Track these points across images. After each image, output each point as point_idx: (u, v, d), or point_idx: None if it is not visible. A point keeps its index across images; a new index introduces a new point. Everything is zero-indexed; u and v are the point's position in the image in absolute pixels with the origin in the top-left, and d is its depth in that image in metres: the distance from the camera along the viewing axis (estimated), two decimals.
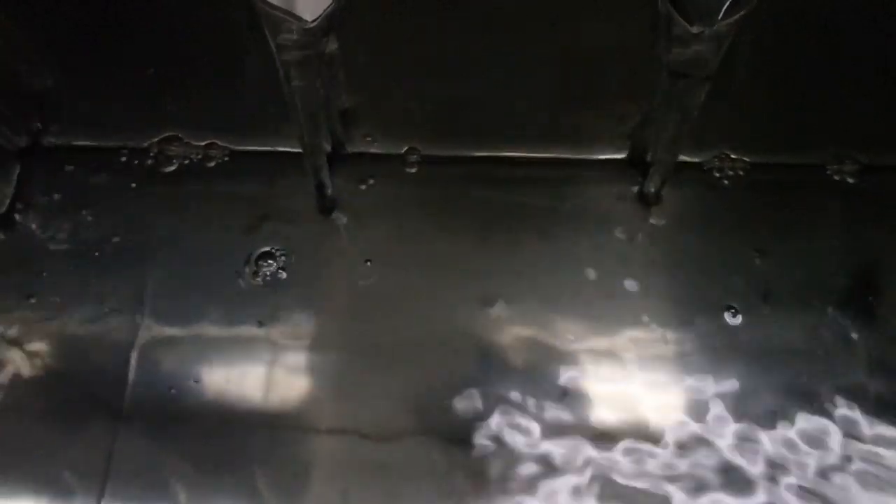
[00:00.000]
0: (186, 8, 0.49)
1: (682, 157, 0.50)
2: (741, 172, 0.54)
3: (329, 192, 0.53)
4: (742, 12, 0.38)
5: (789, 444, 0.47)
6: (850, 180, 0.54)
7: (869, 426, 0.47)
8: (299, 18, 0.40)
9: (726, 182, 0.54)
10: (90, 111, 0.55)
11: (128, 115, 0.55)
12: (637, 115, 0.52)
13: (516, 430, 0.48)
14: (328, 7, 0.40)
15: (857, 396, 0.48)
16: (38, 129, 0.56)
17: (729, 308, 0.50)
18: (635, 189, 0.53)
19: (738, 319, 0.50)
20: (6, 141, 0.55)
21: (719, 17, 0.38)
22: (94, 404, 0.49)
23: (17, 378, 0.50)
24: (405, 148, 0.55)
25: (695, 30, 0.40)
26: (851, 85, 0.51)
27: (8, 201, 0.54)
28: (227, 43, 0.50)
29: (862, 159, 0.54)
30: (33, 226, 0.54)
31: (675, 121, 0.46)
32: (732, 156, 0.54)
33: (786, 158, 0.54)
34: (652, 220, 0.53)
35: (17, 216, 0.54)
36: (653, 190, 0.52)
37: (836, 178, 0.54)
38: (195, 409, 0.49)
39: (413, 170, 0.55)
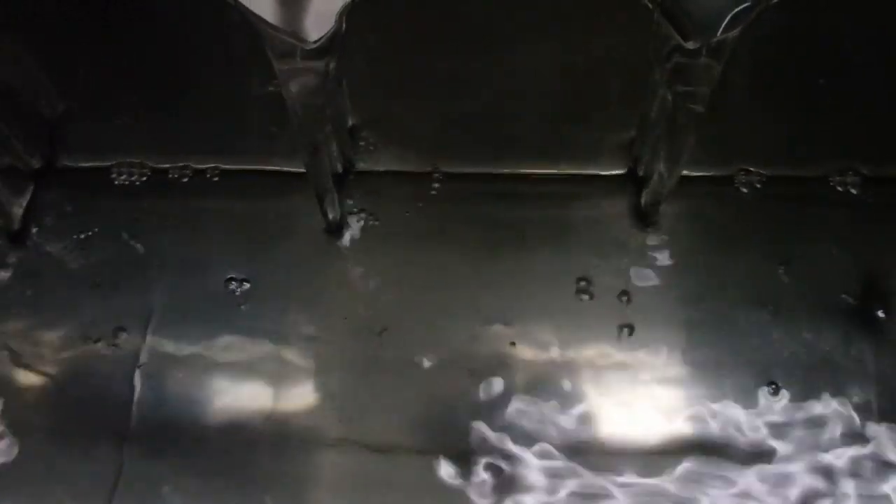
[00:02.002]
0: (192, 35, 0.49)
1: (682, 171, 0.50)
2: (755, 185, 0.54)
3: (335, 210, 0.53)
4: (739, 27, 0.38)
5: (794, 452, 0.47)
6: (854, 191, 0.54)
7: (875, 436, 0.47)
8: (302, 39, 0.40)
9: (728, 196, 0.54)
10: (100, 134, 0.56)
11: (136, 138, 0.56)
12: (637, 130, 0.52)
13: (522, 446, 0.48)
14: (331, 28, 0.40)
15: (864, 408, 0.48)
16: (49, 151, 0.57)
17: (733, 320, 0.50)
18: (637, 204, 0.54)
19: (743, 331, 0.50)
20: (20, 162, 0.56)
21: (717, 33, 0.38)
22: (100, 423, 0.49)
23: (21, 397, 0.50)
24: (410, 166, 0.55)
25: (690, 45, 0.40)
26: (854, 96, 0.51)
27: (20, 221, 0.55)
28: (231, 65, 0.50)
29: (865, 171, 0.54)
30: (43, 245, 0.54)
31: (675, 136, 0.46)
32: (734, 169, 0.54)
33: (788, 171, 0.54)
34: (653, 235, 0.53)
35: (28, 235, 0.55)
36: (654, 204, 0.52)
37: (840, 189, 0.54)
38: (201, 427, 0.49)
39: (415, 187, 0.55)
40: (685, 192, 0.52)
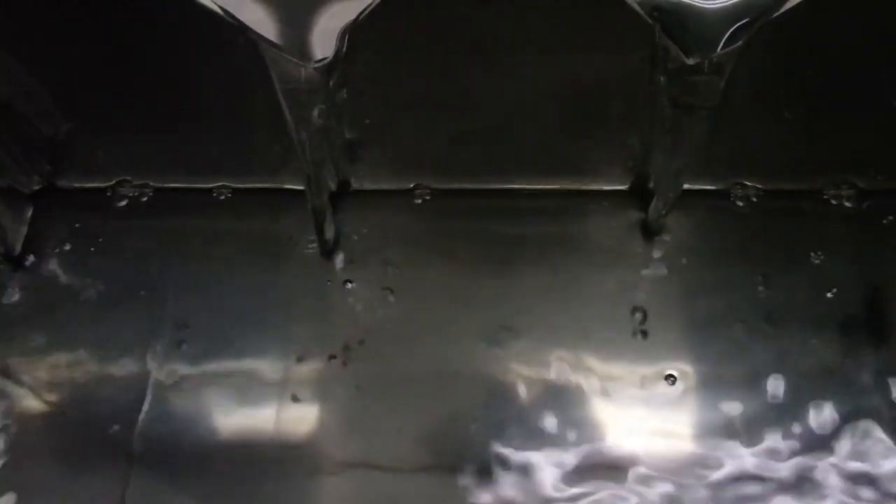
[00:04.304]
0: (194, 53, 0.49)
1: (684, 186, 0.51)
2: (753, 199, 0.54)
3: (333, 228, 0.53)
4: (739, 43, 0.38)
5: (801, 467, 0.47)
6: (848, 204, 0.54)
7: (873, 448, 0.48)
8: (305, 59, 0.40)
9: (729, 209, 0.54)
10: (100, 154, 0.56)
11: (138, 157, 0.56)
12: (640, 146, 0.53)
13: (528, 463, 0.48)
14: (333, 48, 0.41)
15: (864, 419, 0.48)
16: (49, 171, 0.57)
17: (736, 334, 0.51)
18: (640, 219, 0.54)
19: (746, 345, 0.50)
20: (19, 184, 0.56)
21: (718, 49, 0.38)
22: (106, 446, 0.49)
23: (27, 419, 0.50)
24: (409, 183, 0.56)
25: (691, 61, 0.40)
26: (848, 109, 0.51)
27: (21, 243, 0.55)
28: (234, 83, 0.51)
29: (859, 184, 0.54)
30: (45, 267, 0.54)
31: (677, 151, 0.46)
32: (735, 183, 0.55)
33: (783, 184, 0.55)
34: (656, 250, 0.53)
35: (29, 257, 0.55)
36: (657, 219, 0.52)
37: (834, 202, 0.54)
38: (207, 448, 0.49)
39: (417, 204, 0.55)
40: (684, 206, 0.53)
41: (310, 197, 0.51)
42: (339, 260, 0.54)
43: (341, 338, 0.52)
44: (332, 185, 0.55)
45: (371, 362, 0.51)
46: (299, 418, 0.50)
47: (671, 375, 0.50)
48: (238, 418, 0.50)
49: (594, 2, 0.45)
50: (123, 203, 0.56)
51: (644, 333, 0.51)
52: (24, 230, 0.55)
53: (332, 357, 0.51)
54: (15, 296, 0.53)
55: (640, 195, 0.54)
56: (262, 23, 0.39)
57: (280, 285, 0.53)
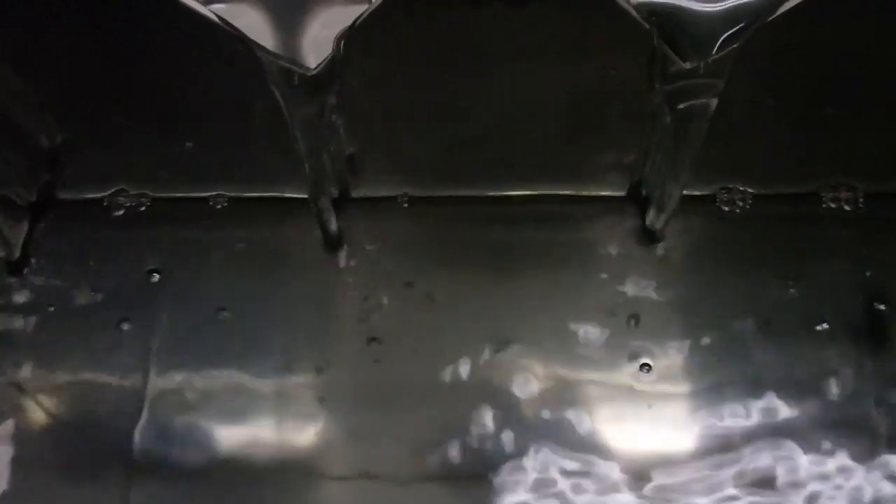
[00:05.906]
0: (192, 62, 0.50)
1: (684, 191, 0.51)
2: (746, 204, 0.54)
3: (334, 236, 0.53)
4: (735, 45, 0.38)
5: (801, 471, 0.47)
6: (847, 208, 0.54)
7: (875, 451, 0.48)
8: (301, 66, 0.41)
9: (727, 215, 0.54)
10: (98, 165, 0.56)
11: (135, 167, 0.56)
12: (638, 151, 0.53)
13: (529, 470, 0.48)
14: (329, 54, 0.41)
15: (867, 424, 0.48)
16: (47, 182, 0.57)
17: (738, 340, 0.51)
18: (638, 225, 0.54)
19: (747, 352, 0.50)
20: (16, 195, 0.56)
21: (713, 52, 0.39)
22: (106, 457, 0.49)
23: (27, 430, 0.50)
24: (409, 190, 0.56)
25: (689, 65, 0.40)
26: (845, 111, 0.51)
27: (18, 253, 0.55)
28: (232, 93, 0.51)
29: (858, 187, 0.54)
30: (43, 277, 0.54)
31: (676, 155, 0.46)
32: (733, 188, 0.55)
33: (780, 188, 0.55)
34: (654, 256, 0.53)
35: (27, 268, 0.55)
36: (657, 225, 0.52)
37: (833, 205, 0.54)
38: (207, 459, 0.49)
39: (417, 211, 0.55)
40: (682, 212, 0.53)
41: (312, 204, 0.51)
42: (338, 269, 0.54)
43: (340, 347, 0.52)
44: (336, 192, 0.55)
45: (370, 371, 0.51)
46: (299, 427, 0.50)
47: (670, 382, 0.50)
48: (238, 427, 0.50)
49: (590, 7, 0.45)
50: (121, 213, 0.56)
51: (646, 340, 0.51)
52: (21, 241, 0.55)
53: (330, 366, 0.51)
54: (13, 306, 0.53)
55: (638, 201, 0.54)
56: (258, 30, 0.39)
57: (278, 294, 0.53)
